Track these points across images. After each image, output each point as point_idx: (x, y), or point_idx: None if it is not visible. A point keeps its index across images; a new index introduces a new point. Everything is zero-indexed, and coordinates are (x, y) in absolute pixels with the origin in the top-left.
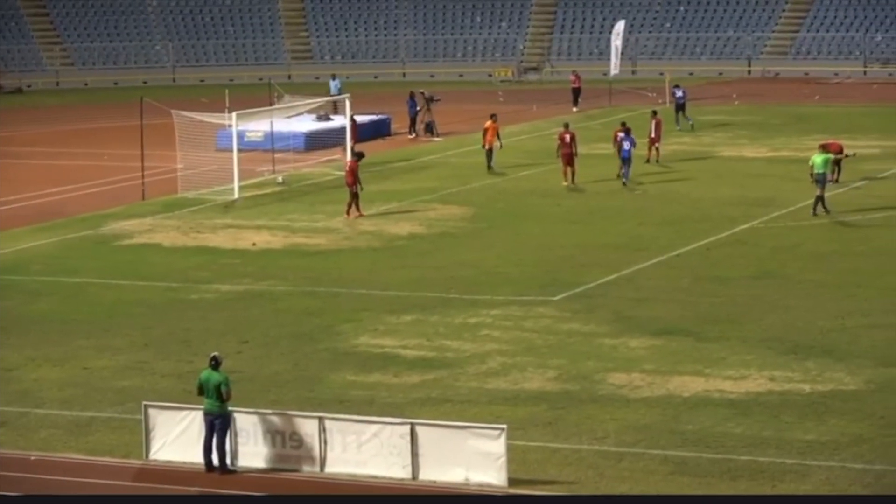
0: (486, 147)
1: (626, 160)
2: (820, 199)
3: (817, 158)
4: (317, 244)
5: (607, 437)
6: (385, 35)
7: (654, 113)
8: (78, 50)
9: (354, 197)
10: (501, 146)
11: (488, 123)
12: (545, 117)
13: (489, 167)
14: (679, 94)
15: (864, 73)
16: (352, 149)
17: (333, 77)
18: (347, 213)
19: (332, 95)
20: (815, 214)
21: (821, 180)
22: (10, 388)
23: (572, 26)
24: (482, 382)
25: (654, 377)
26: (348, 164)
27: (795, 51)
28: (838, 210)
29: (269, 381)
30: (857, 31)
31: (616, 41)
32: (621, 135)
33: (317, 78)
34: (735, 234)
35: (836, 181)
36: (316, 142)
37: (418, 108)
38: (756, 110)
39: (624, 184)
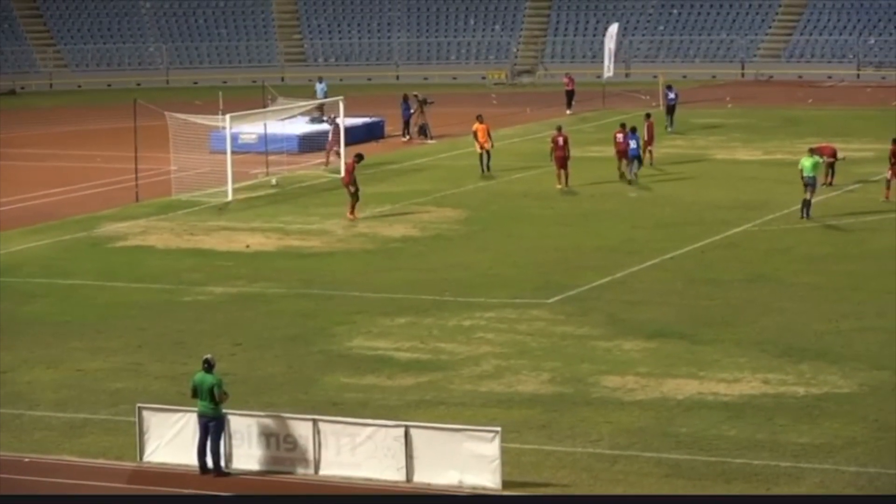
0: (482, 150)
1: (634, 158)
2: (807, 202)
3: (806, 162)
4: (310, 246)
5: (601, 439)
6: (378, 37)
7: (648, 116)
8: (71, 52)
9: (353, 197)
10: (493, 146)
11: (477, 125)
12: (538, 120)
13: (487, 169)
14: (671, 95)
15: (858, 76)
16: (334, 152)
17: (320, 80)
18: (350, 212)
19: (318, 98)
20: (808, 217)
21: (811, 183)
22: (3, 390)
23: (566, 29)
24: (476, 385)
25: (648, 380)
26: (346, 164)
27: (789, 54)
28: (832, 213)
29: (263, 383)
30: (851, 34)
31: (609, 44)
32: (620, 136)
33: (310, 80)
34: (729, 236)
35: (831, 184)
36: (309, 144)
37: (412, 111)
38: (749, 113)
39: (630, 181)
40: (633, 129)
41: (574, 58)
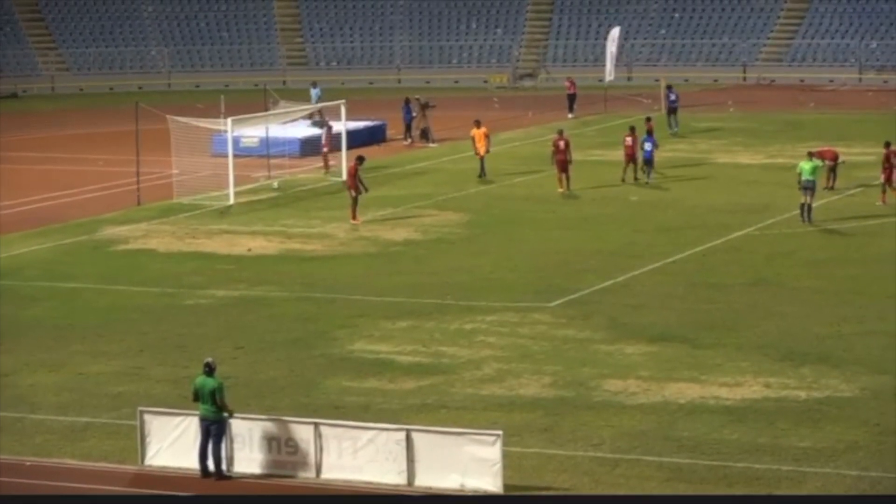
0: (480, 155)
1: (648, 161)
2: (807, 206)
3: (805, 165)
4: (312, 250)
5: (603, 443)
6: (380, 41)
7: (648, 119)
8: (73, 55)
9: (353, 201)
10: (488, 151)
11: (475, 131)
12: (540, 123)
13: (483, 175)
14: (672, 97)
15: (860, 80)
16: (325, 156)
17: (314, 84)
18: (353, 217)
19: (312, 104)
20: (808, 221)
21: (809, 187)
22: (5, 394)
23: (567, 32)
24: (478, 388)
25: (649, 384)
26: (349, 167)
27: (791, 58)
28: (834, 217)
29: (265, 386)
30: (853, 38)
31: (611, 47)
32: (629, 140)
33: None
34: (730, 240)
35: (833, 188)
36: (311, 147)
37: (413, 115)
38: (751, 117)
39: (647, 182)
40: (650, 132)
41: (576, 61)
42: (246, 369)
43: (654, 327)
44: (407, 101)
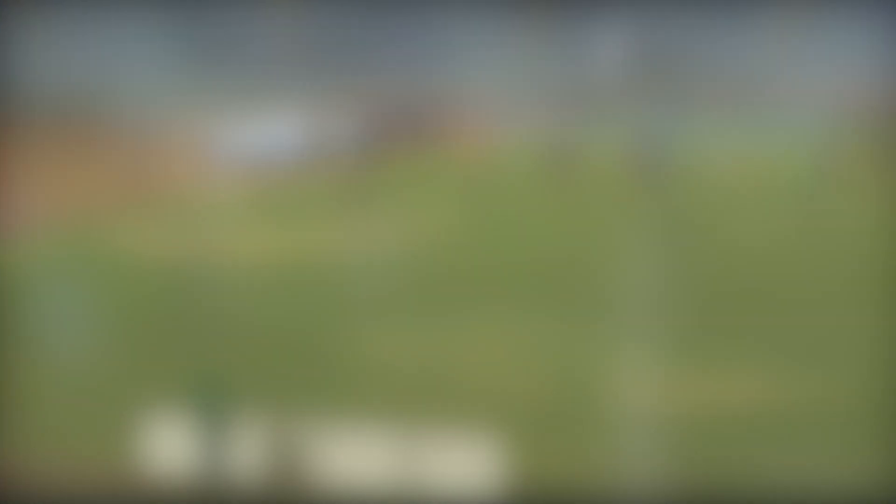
0: (476, 158)
1: (652, 159)
2: (804, 207)
3: (802, 167)
4: (313, 250)
5: (603, 444)
6: (379, 43)
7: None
8: (73, 56)
9: (353, 202)
10: (487, 154)
11: (471, 134)
12: (541, 126)
13: (478, 178)
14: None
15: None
16: (323, 157)
17: (308, 86)
18: (348, 218)
19: (307, 105)
20: (804, 222)
21: (806, 188)
22: (4, 395)
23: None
24: (478, 389)
25: (650, 385)
26: (349, 169)
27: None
28: (831, 218)
29: (265, 388)
30: (853, 43)
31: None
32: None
33: (313, 85)
34: (730, 241)
35: (828, 189)
36: (313, 149)
37: (412, 117)
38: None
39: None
40: (655, 131)
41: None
42: (245, 371)
43: (656, 328)
44: (405, 103)
